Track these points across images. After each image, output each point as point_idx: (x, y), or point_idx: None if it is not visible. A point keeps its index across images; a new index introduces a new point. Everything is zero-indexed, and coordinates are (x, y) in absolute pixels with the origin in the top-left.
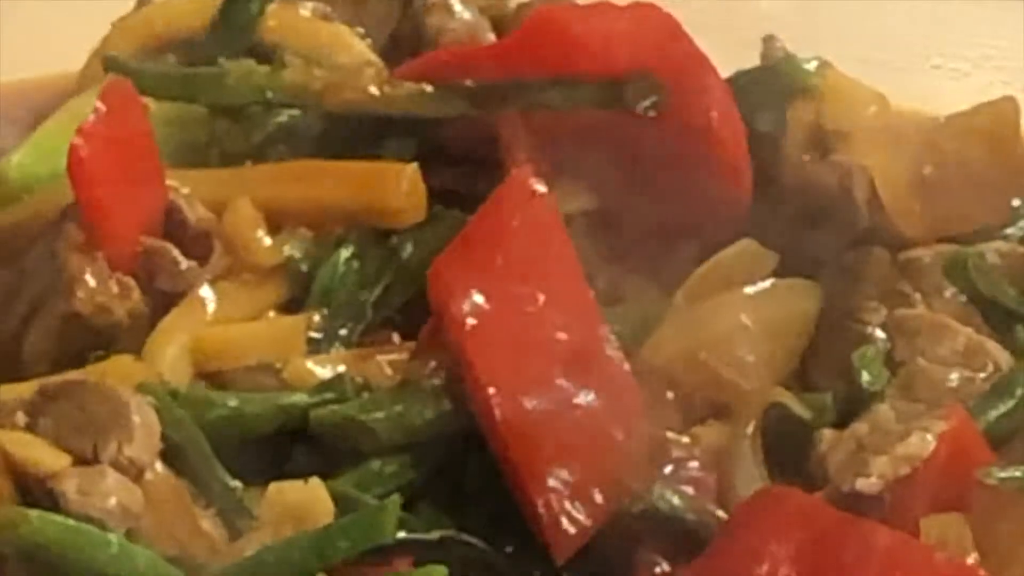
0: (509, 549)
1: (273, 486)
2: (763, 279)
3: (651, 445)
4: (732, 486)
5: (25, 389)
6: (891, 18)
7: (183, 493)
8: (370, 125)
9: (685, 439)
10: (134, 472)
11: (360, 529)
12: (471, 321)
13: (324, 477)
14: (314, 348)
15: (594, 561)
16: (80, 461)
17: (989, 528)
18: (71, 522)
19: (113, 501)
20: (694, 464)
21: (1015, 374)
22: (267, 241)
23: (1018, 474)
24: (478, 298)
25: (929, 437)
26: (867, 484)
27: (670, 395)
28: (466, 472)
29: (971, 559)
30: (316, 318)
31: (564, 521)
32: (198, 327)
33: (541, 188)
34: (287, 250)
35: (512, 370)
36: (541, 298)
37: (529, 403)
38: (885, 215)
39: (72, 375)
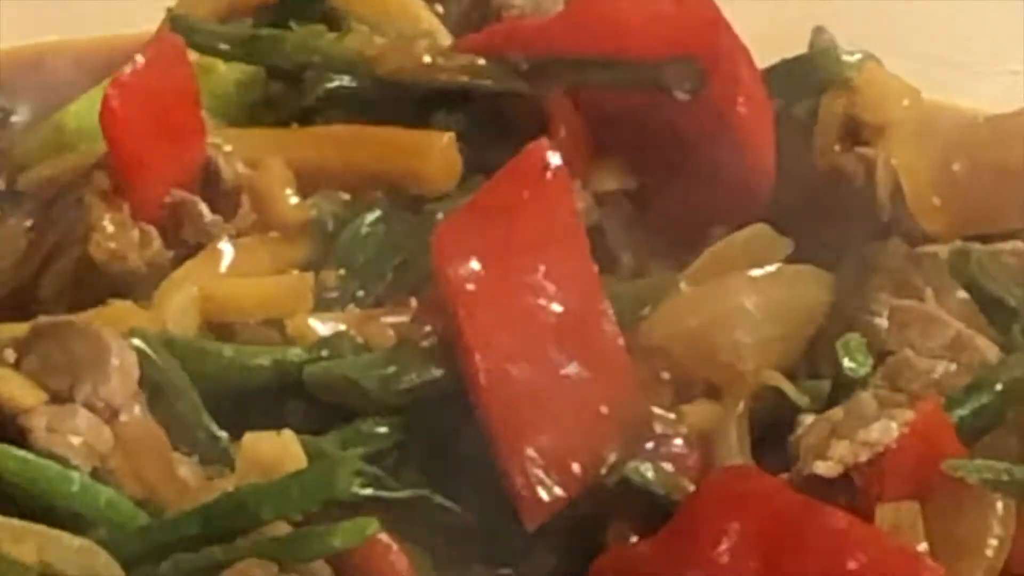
0: (486, 515)
1: (247, 436)
2: (774, 264)
3: (635, 420)
4: (713, 465)
5: (22, 328)
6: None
7: (160, 438)
8: (421, 95)
9: (671, 415)
10: (107, 413)
11: (314, 482)
12: (466, 285)
13: (317, 434)
14: (325, 307)
15: (566, 530)
16: (56, 400)
17: (947, 520)
18: (32, 457)
19: (79, 440)
20: (678, 441)
21: (995, 370)
22: (294, 200)
23: (983, 468)
24: (476, 263)
25: (894, 425)
26: (824, 467)
27: (664, 372)
28: (456, 438)
29: (921, 547)
30: (332, 278)
31: (538, 489)
32: (210, 279)
33: (556, 161)
34: (314, 210)
35: (502, 336)
36: (541, 269)
37: (515, 370)
38: (906, 209)
39: (65, 316)
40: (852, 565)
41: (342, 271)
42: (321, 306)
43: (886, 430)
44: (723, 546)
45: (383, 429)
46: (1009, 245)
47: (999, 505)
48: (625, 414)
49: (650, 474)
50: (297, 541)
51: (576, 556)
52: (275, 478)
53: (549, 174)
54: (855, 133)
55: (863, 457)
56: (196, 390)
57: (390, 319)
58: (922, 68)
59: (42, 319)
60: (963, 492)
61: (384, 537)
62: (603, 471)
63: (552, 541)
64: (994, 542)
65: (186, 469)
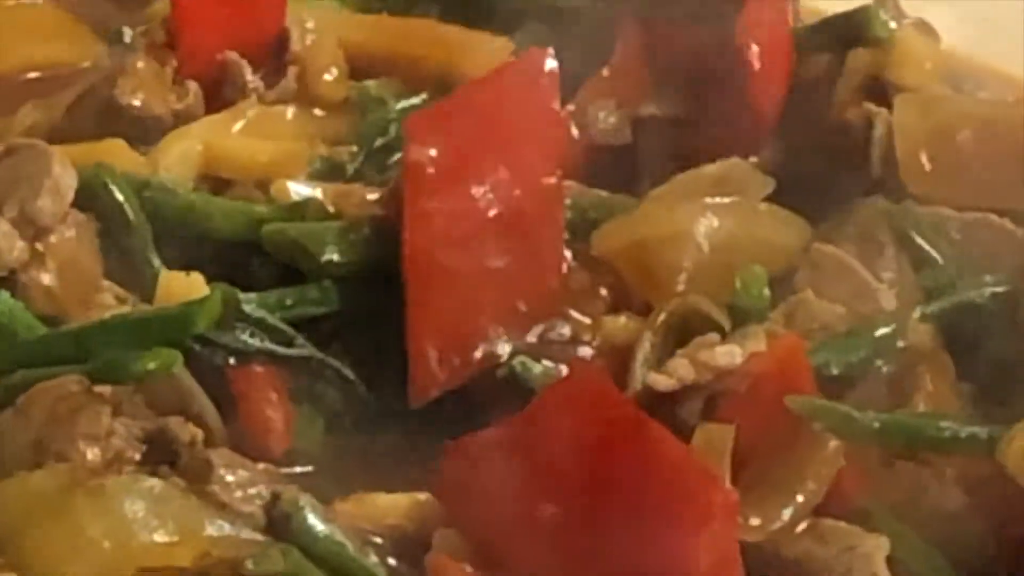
0: (383, 389)
1: (163, 274)
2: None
3: (550, 321)
4: (623, 378)
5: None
6: None
7: (87, 263)
8: (514, 5)
9: (588, 321)
10: (33, 230)
11: (176, 318)
12: (423, 168)
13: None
14: (324, 179)
15: (449, 413)
16: None
17: (778, 454)
18: None
19: None
20: (585, 349)
21: (870, 323)
22: (336, 78)
23: (822, 408)
24: (436, 149)
25: (738, 350)
26: (655, 379)
27: (603, 284)
28: (387, 316)
29: (725, 470)
30: (344, 154)
31: (428, 370)
32: (219, 135)
33: (552, 66)
34: (354, 92)
35: (440, 221)
36: (503, 167)
37: (442, 254)
38: (896, 167)
39: (35, 140)
40: (651, 476)
41: (355, 148)
42: (320, 177)
43: (729, 355)
44: (550, 441)
45: (315, 295)
46: (971, 216)
47: (830, 446)
48: (541, 315)
49: (535, 370)
50: (113, 365)
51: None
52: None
53: (542, 80)
54: (878, 92)
55: (702, 378)
56: (155, 232)
57: (368, 196)
58: None
59: (15, 140)
60: (801, 429)
61: (273, 396)
62: (497, 363)
63: (439, 424)
64: (812, 484)
65: (110, 298)
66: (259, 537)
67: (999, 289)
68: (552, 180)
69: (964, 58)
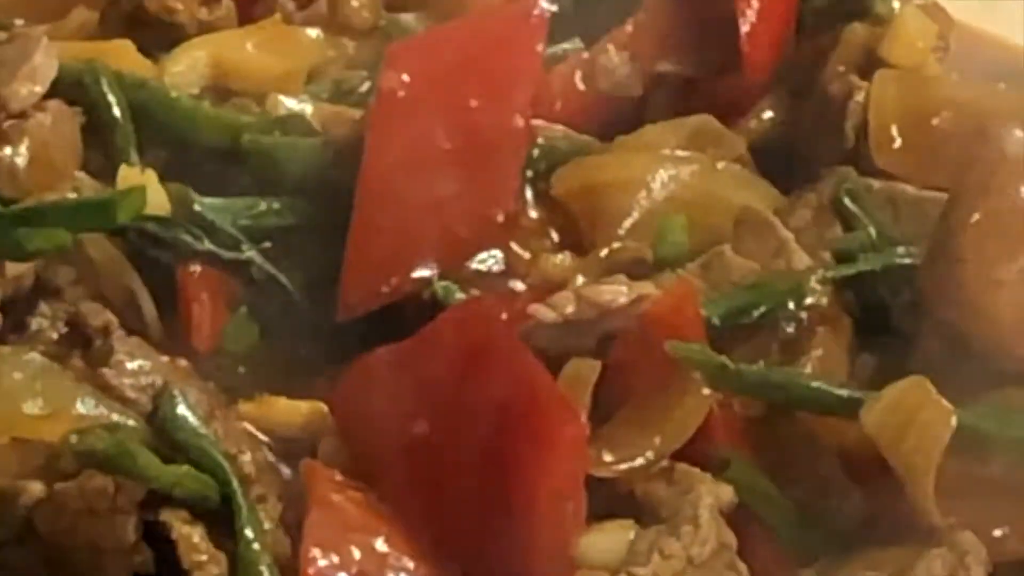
0: (317, 299)
1: (123, 168)
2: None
3: (490, 251)
4: None
5: None
6: None
7: (59, 152)
8: None
9: (527, 256)
10: (3, 113)
11: (99, 207)
12: (393, 92)
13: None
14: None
15: (381, 331)
16: None
17: (649, 397)
18: None
19: None
20: (518, 283)
21: (772, 281)
22: (362, 4)
23: (698, 355)
24: (409, 76)
25: (623, 290)
26: (537, 310)
27: (555, 224)
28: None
29: (583, 404)
30: (355, 78)
31: (362, 282)
32: (231, 48)
33: (542, 11)
34: (383, 21)
35: (400, 144)
36: (474, 102)
37: (396, 176)
38: (865, 142)
39: (33, 27)
40: (514, 402)
41: (364, 72)
42: (327, 99)
43: (613, 293)
44: (433, 363)
45: (277, 207)
46: (926, 194)
47: (701, 395)
48: (483, 245)
49: (454, 296)
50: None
51: None
52: None
53: (529, 22)
54: (870, 65)
55: (584, 314)
56: (145, 134)
57: (354, 119)
58: None
59: (18, 28)
60: (678, 375)
61: (204, 296)
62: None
63: (370, 342)
64: (675, 428)
65: (84, 183)
66: (131, 423)
67: (904, 261)
68: (520, 119)
69: (965, 27)
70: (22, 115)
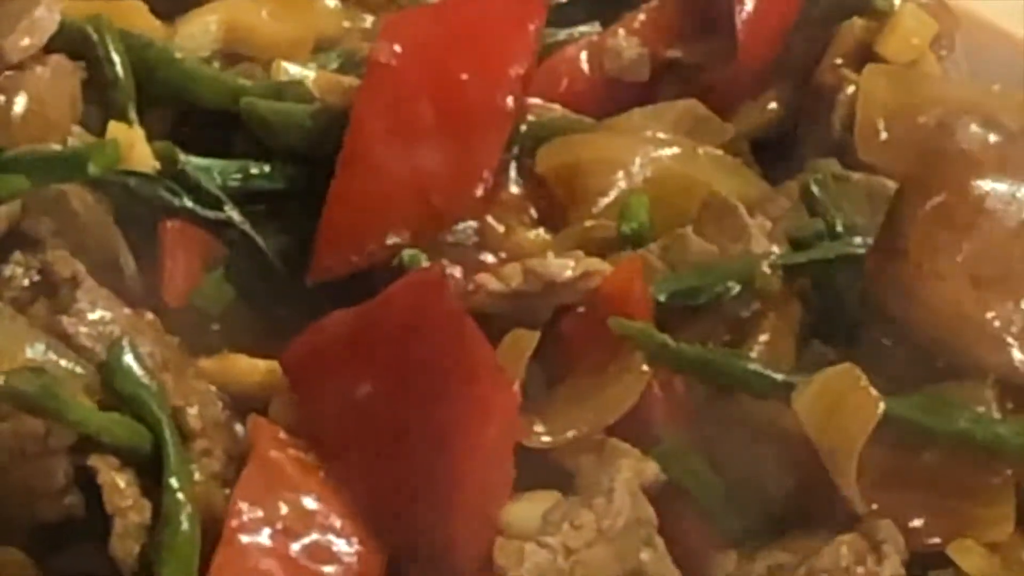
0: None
1: (112, 124)
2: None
3: (465, 222)
4: None
5: None
6: None
7: (57, 108)
8: None
9: (501, 229)
10: (2, 63)
11: (72, 158)
12: (382, 62)
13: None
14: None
15: (346, 293)
16: None
17: (591, 371)
18: None
19: None
20: (488, 256)
21: (723, 264)
22: None
23: (640, 332)
24: (401, 46)
25: (570, 264)
26: (484, 279)
27: (534, 200)
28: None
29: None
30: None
31: (336, 246)
32: (244, 13)
33: None
34: None
35: (386, 115)
36: (463, 77)
37: (379, 145)
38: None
39: None
40: (453, 369)
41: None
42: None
43: (561, 267)
44: (382, 328)
45: (267, 171)
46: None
47: (639, 371)
48: (459, 217)
49: (421, 263)
50: None
51: None
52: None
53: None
54: (868, 61)
55: (531, 286)
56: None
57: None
58: None
59: None
60: (620, 351)
61: (180, 253)
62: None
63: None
64: (611, 403)
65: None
66: (80, 370)
67: (860, 251)
68: (507, 96)
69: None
70: (20, 67)
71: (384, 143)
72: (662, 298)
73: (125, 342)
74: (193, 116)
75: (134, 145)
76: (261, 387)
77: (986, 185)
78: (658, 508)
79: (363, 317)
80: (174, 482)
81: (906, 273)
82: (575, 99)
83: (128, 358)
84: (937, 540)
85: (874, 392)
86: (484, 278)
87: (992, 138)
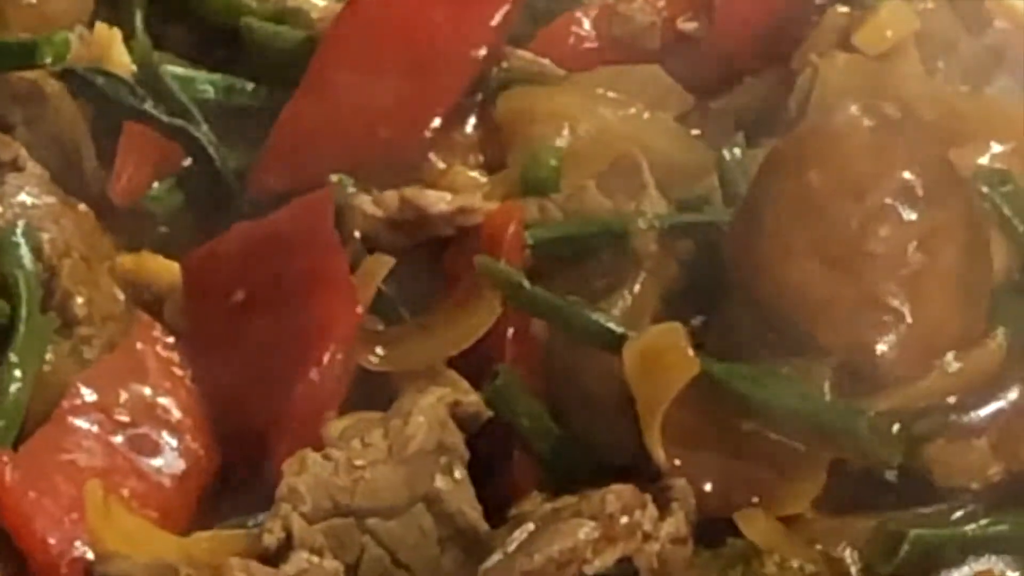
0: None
1: (98, 24)
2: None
3: (405, 158)
4: None
5: None
6: None
7: (70, 5)
8: None
9: (441, 166)
10: None
11: (25, 47)
12: (349, 19)
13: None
14: None
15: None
16: None
17: (452, 305)
18: None
19: None
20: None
21: (596, 219)
22: None
23: (499, 272)
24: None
25: (447, 197)
26: (362, 201)
27: (487, 144)
28: None
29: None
30: None
31: (278, 164)
32: None
33: None
34: None
35: (354, 46)
36: (438, 18)
37: (339, 74)
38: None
39: None
40: (311, 284)
41: None
42: None
43: (438, 200)
44: (263, 243)
45: (249, 88)
46: None
47: (488, 308)
48: (400, 153)
49: (348, 190)
50: None
51: None
52: None
53: None
54: (845, 50)
55: (405, 214)
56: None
57: None
58: None
59: None
60: (475, 287)
61: (134, 155)
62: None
63: None
64: (453, 335)
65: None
66: None
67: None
68: (476, 42)
69: None
70: None
71: (345, 72)
72: (531, 243)
73: (21, 223)
74: (199, 32)
75: (111, 45)
76: (170, 287)
77: (849, 167)
78: (480, 442)
79: (257, 229)
80: (13, 357)
81: (761, 245)
82: (580, 60)
83: (16, 238)
84: (721, 507)
85: (690, 353)
86: (363, 200)
87: (866, 122)
